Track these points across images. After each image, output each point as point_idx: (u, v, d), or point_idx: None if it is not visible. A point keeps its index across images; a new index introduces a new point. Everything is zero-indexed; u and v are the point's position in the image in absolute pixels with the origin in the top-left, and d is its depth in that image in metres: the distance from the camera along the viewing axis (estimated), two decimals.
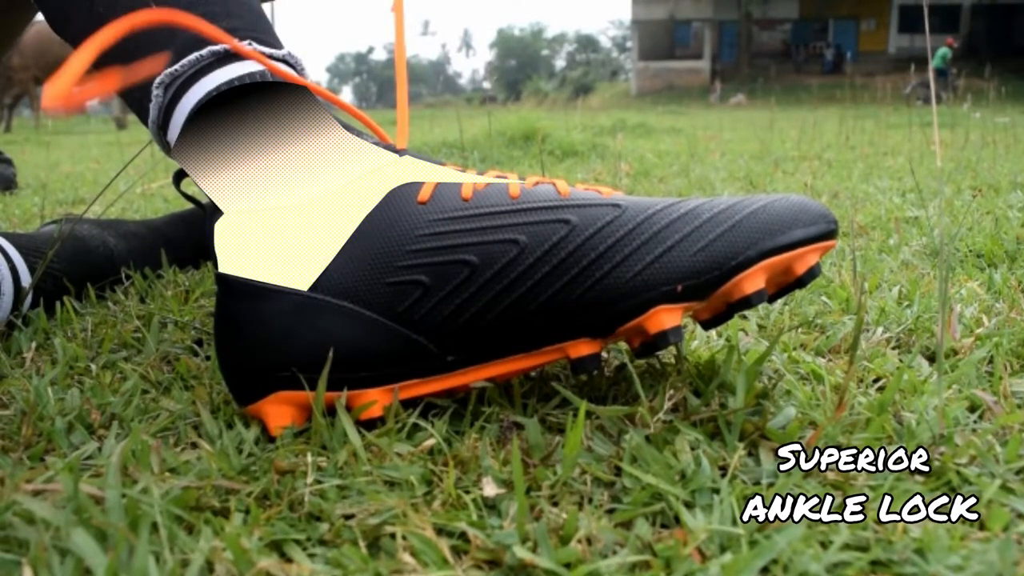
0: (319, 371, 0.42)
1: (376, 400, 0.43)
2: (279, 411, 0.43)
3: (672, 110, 9.29)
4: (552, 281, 0.42)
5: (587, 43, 56.38)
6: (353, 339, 0.43)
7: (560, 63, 56.59)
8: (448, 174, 0.47)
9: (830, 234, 0.44)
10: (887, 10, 22.24)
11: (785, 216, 0.43)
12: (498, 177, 0.47)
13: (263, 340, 0.43)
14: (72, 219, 0.78)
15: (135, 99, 0.54)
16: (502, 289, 0.42)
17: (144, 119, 0.55)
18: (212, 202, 0.46)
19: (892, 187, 1.54)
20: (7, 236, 0.68)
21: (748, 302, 0.43)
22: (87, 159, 3.11)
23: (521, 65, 54.48)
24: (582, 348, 0.43)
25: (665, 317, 0.42)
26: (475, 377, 0.44)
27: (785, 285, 0.46)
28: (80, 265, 0.73)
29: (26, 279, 0.65)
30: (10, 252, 0.65)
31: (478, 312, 0.42)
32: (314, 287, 0.43)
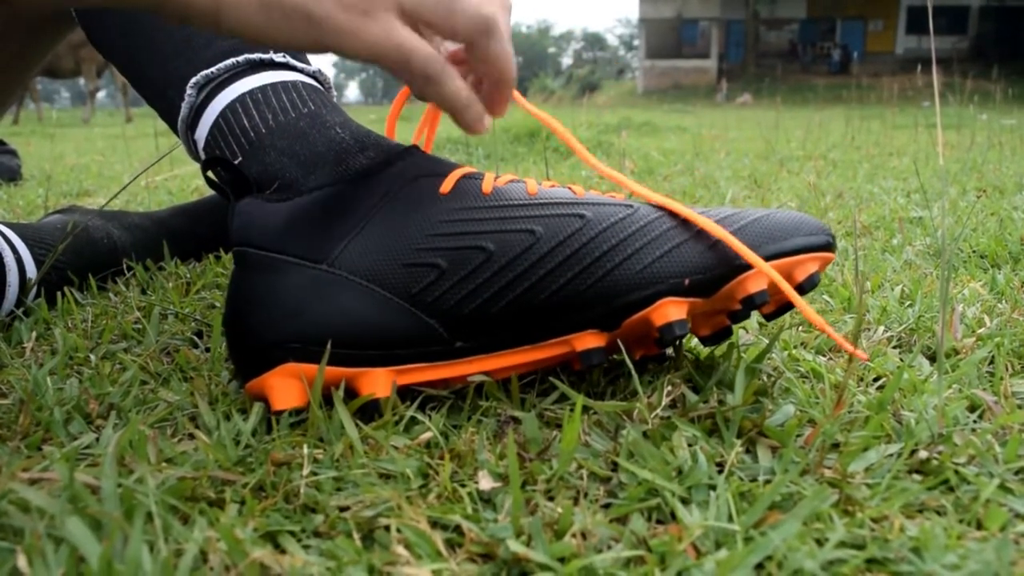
0: (333, 345, 0.42)
1: (383, 380, 0.43)
2: (285, 386, 0.43)
3: (678, 109, 9.27)
4: (564, 271, 0.43)
5: (594, 41, 56.31)
6: (365, 316, 0.43)
7: (567, 61, 56.50)
8: (460, 172, 0.47)
9: (828, 246, 0.46)
10: (895, 11, 22.16)
11: (787, 225, 0.45)
12: (515, 179, 0.48)
13: (276, 312, 0.43)
14: (78, 209, 0.78)
15: (166, 97, 0.55)
16: (515, 276, 0.43)
17: (170, 117, 0.55)
18: (234, 190, 0.47)
19: (897, 187, 1.53)
20: (12, 227, 0.68)
21: (752, 301, 0.44)
22: (92, 151, 3.11)
23: (528, 62, 54.41)
24: (588, 340, 0.44)
25: (671, 309, 0.43)
26: (481, 367, 0.45)
27: (783, 303, 0.47)
28: (84, 257, 0.73)
29: (31, 269, 0.65)
30: (15, 243, 0.66)
31: (491, 298, 0.43)
32: (331, 263, 0.43)
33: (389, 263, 0.44)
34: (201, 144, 0.53)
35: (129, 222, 0.81)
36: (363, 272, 0.43)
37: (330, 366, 0.43)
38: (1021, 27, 20.41)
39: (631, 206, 0.45)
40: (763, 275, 0.44)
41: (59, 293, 0.66)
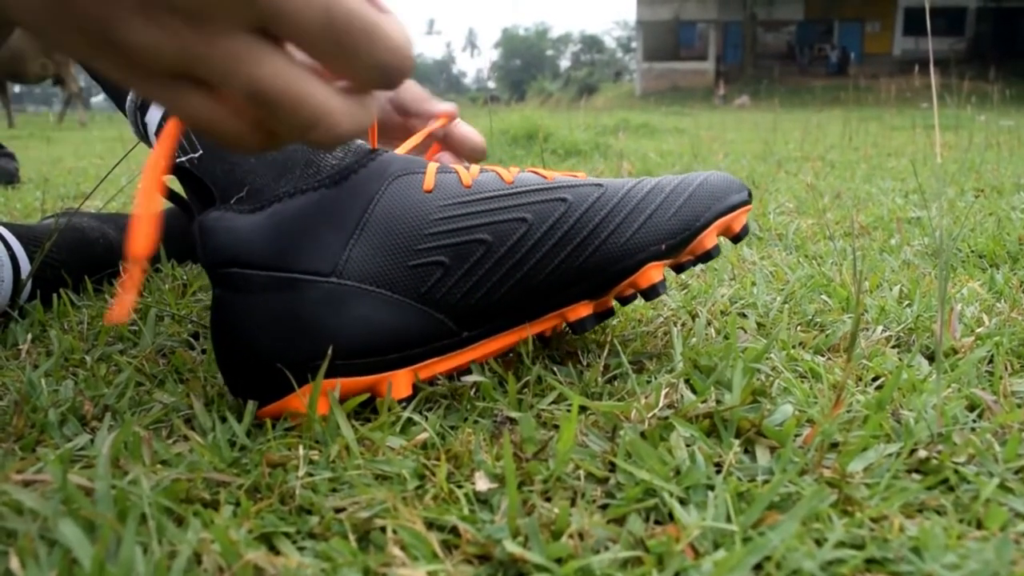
0: (358, 356, 0.43)
1: (404, 381, 0.44)
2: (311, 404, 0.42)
3: (676, 111, 9.26)
4: (558, 251, 0.47)
5: (592, 43, 56.35)
6: (383, 321, 0.44)
7: (565, 63, 56.51)
8: (434, 166, 0.48)
9: (749, 200, 0.53)
10: (892, 12, 22.17)
11: (721, 187, 0.51)
12: (484, 169, 0.49)
13: (295, 332, 0.43)
14: (71, 212, 0.78)
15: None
16: (514, 264, 0.46)
17: (118, 97, 0.53)
18: (195, 200, 0.46)
19: (895, 188, 1.53)
20: (8, 226, 0.68)
21: (709, 255, 0.51)
22: (90, 155, 3.11)
23: (526, 65, 54.42)
24: (581, 311, 0.49)
25: (653, 272, 0.49)
26: (484, 351, 0.47)
27: (703, 253, 0.51)
28: (80, 257, 0.73)
29: (26, 269, 0.65)
30: (11, 241, 0.65)
31: (493, 287, 0.46)
32: (340, 275, 0.44)
33: (395, 266, 0.44)
34: (153, 128, 0.50)
35: (125, 223, 0.81)
36: (372, 279, 0.44)
37: (353, 376, 0.43)
38: (1018, 28, 20.44)
39: (600, 184, 0.49)
40: (715, 231, 0.50)
41: (55, 295, 0.66)
